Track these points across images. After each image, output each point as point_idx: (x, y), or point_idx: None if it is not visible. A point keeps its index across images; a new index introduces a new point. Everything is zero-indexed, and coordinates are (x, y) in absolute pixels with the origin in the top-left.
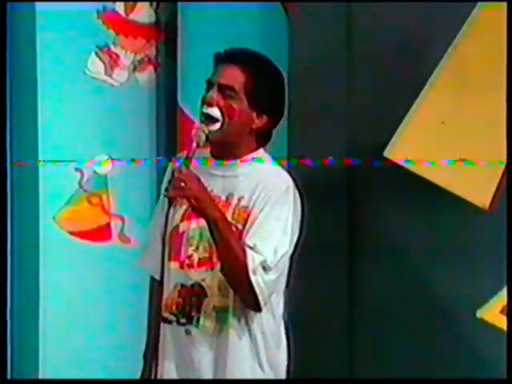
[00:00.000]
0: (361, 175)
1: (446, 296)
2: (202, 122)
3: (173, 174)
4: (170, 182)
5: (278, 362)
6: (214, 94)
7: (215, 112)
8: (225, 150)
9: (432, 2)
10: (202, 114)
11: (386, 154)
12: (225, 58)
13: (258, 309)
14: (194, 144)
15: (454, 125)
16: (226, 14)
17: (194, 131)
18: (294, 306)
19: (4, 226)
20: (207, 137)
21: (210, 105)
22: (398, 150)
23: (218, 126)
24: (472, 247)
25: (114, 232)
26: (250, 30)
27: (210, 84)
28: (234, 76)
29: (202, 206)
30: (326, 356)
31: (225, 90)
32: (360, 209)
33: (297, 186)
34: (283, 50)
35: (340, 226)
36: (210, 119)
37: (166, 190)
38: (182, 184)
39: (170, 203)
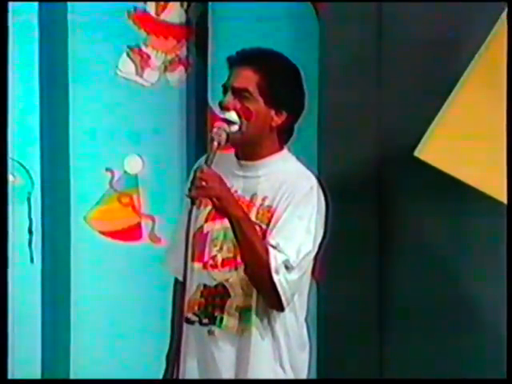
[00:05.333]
0: (391, 175)
1: (475, 295)
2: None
3: (195, 173)
4: (192, 181)
5: (300, 363)
6: (229, 98)
7: (232, 116)
8: (248, 150)
9: (463, 1)
10: (221, 119)
11: (417, 153)
12: (237, 61)
13: (280, 308)
14: (215, 143)
15: (485, 124)
16: (256, 13)
17: (214, 130)
18: (325, 306)
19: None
20: (228, 136)
21: (227, 109)
22: (429, 150)
23: (236, 128)
24: (503, 247)
25: (145, 232)
26: (280, 30)
27: (225, 89)
28: (247, 77)
29: (224, 204)
30: (356, 355)
31: (240, 93)
32: (390, 209)
33: (321, 185)
34: (314, 49)
35: (370, 226)
36: (229, 123)
37: (189, 190)
38: (204, 183)
39: (193, 203)
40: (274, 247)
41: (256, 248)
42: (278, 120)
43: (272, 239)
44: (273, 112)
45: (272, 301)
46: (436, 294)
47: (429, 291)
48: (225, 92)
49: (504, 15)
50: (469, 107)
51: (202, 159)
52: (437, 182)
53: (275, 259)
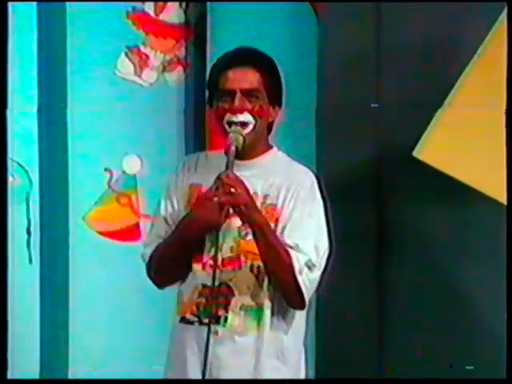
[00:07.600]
0: (391, 175)
1: (475, 295)
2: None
3: (219, 178)
4: (217, 187)
5: (300, 360)
6: (239, 100)
7: (247, 117)
8: (250, 149)
9: (461, 2)
10: (235, 123)
11: (416, 154)
12: (230, 63)
13: (302, 307)
14: (233, 148)
15: (484, 125)
16: (255, 14)
17: (230, 135)
18: (324, 306)
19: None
20: (244, 139)
21: (240, 111)
22: (428, 150)
23: (251, 128)
24: (502, 247)
25: (143, 232)
26: (279, 30)
27: (224, 92)
28: (252, 77)
29: (251, 212)
30: (356, 355)
31: (250, 93)
32: (390, 208)
33: (318, 180)
34: (312, 49)
35: (370, 225)
36: (244, 125)
37: (215, 195)
38: (233, 190)
39: (221, 209)
40: (293, 248)
41: (279, 252)
42: (274, 115)
43: (289, 240)
44: (271, 108)
45: (294, 300)
46: (436, 293)
47: (428, 291)
48: (223, 95)
49: (504, 15)
50: (468, 107)
51: (195, 155)
52: (436, 181)
53: (298, 261)
